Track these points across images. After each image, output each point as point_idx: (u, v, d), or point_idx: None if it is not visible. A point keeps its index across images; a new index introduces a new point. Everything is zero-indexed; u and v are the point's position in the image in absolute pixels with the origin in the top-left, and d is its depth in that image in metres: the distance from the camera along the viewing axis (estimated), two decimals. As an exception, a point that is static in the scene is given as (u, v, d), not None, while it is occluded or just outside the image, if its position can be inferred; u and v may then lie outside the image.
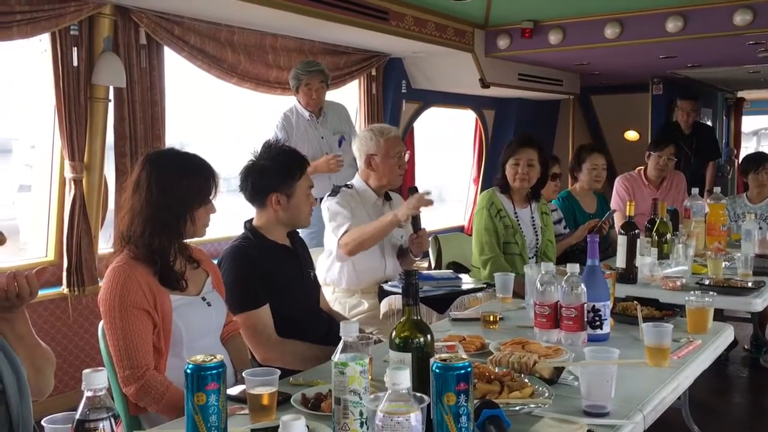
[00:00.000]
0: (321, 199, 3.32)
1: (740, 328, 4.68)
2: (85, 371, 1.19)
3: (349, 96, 5.59)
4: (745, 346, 4.77)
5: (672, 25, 5.02)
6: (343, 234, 3.11)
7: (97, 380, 1.19)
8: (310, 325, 2.56)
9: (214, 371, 1.37)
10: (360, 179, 3.36)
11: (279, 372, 1.67)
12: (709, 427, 3.50)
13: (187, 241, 2.16)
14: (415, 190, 3.45)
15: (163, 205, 2.03)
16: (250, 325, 2.39)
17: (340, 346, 1.45)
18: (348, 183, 3.37)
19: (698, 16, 4.96)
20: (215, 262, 2.41)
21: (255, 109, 5.13)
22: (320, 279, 3.36)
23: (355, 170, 4.67)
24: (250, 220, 2.59)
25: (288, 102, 4.51)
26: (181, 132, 4.75)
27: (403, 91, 5.96)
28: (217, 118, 5.23)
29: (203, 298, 2.18)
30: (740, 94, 10.41)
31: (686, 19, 4.98)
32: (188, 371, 1.36)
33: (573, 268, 2.18)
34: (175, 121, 4.28)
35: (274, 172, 2.48)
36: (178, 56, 4.17)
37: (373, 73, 5.65)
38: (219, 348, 2.21)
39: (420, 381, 1.45)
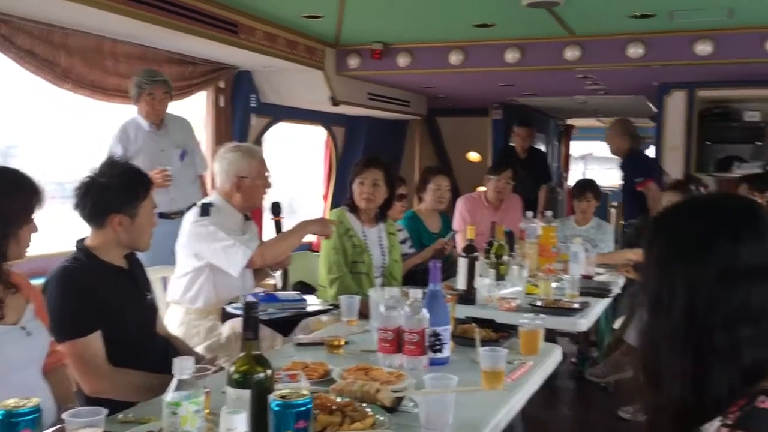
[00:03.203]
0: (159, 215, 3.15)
1: (568, 342, 5.01)
2: None
3: (196, 108, 5.40)
4: (572, 360, 5.11)
5: (510, 56, 5.32)
6: (258, 247, 3.04)
7: None
8: (146, 351, 2.41)
9: (28, 417, 1.25)
10: (220, 198, 3.19)
11: (106, 411, 1.54)
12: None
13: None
14: (278, 205, 3.40)
15: None
16: (77, 353, 2.21)
17: (174, 384, 1.37)
18: (209, 201, 3.18)
19: (534, 50, 5.30)
20: (40, 282, 2.22)
21: (93, 113, 4.80)
22: (170, 298, 3.20)
23: (198, 186, 4.52)
24: (83, 240, 2.40)
25: (128, 112, 4.28)
26: (4, 136, 4.35)
27: (252, 105, 5.84)
28: (49, 122, 4.84)
29: (22, 327, 1.99)
30: (570, 121, 11.27)
31: (523, 51, 5.30)
32: (-3, 418, 1.23)
33: (416, 293, 2.22)
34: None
35: (118, 192, 2.33)
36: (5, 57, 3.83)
37: (222, 85, 5.49)
38: (39, 382, 2.03)
39: (259, 418, 1.40)
